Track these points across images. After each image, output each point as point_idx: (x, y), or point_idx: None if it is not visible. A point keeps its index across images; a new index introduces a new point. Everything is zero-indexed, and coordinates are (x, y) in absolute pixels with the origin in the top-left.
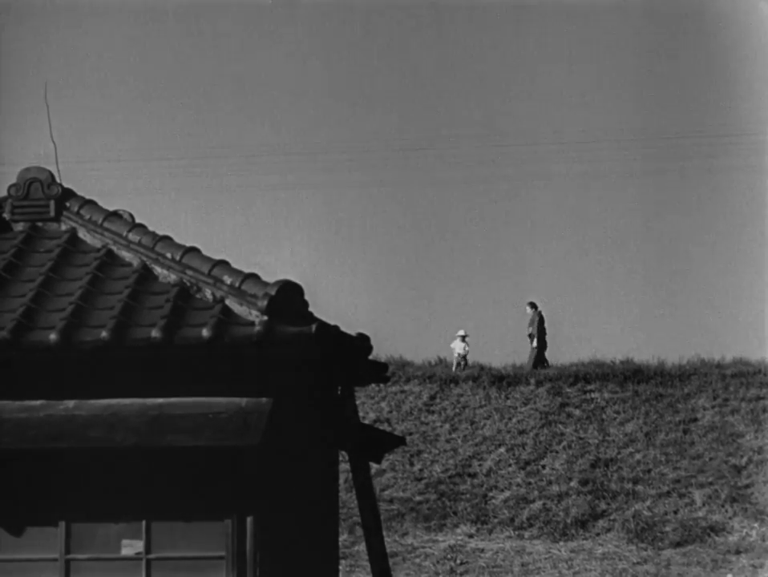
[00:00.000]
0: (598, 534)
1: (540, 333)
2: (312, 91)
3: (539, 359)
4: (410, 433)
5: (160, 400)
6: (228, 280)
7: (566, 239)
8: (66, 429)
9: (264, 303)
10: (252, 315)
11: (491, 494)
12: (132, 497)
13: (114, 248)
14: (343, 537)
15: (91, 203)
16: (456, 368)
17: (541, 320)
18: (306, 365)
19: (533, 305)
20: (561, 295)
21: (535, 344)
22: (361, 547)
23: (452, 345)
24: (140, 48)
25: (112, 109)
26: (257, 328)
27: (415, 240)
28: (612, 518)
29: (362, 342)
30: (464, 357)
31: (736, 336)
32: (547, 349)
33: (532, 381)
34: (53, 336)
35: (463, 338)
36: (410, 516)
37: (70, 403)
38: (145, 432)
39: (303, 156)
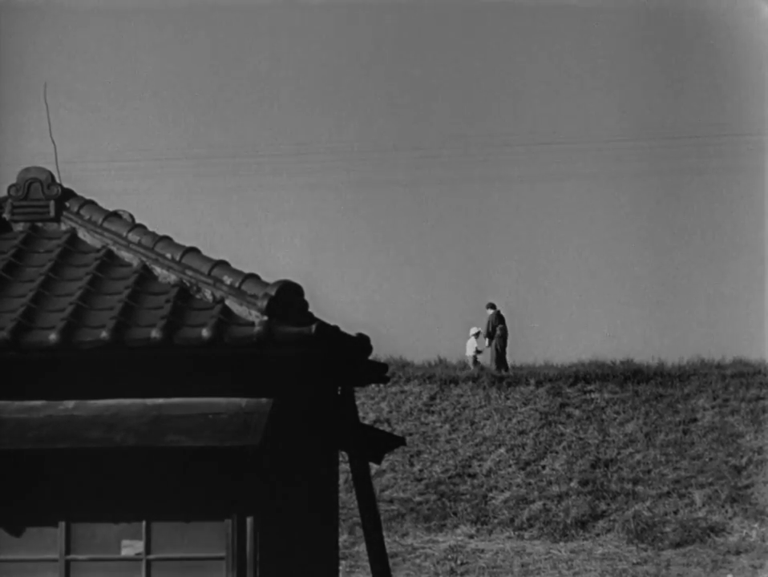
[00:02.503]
0: (598, 535)
1: (502, 333)
2: (311, 92)
3: (501, 359)
4: (410, 434)
5: (160, 400)
6: (227, 280)
7: (565, 239)
8: (66, 429)
9: (263, 303)
10: (252, 315)
11: (491, 494)
12: (132, 497)
13: (114, 248)
14: (343, 537)
15: (91, 204)
16: (474, 366)
17: (499, 320)
18: (306, 365)
19: (491, 306)
20: (561, 295)
21: (487, 343)
22: (361, 547)
23: (467, 344)
24: (139, 48)
25: (112, 109)
26: (257, 328)
27: (416, 239)
28: (612, 518)
29: (362, 342)
30: (475, 357)
31: (736, 336)
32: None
33: (532, 381)
34: (53, 337)
35: (477, 335)
36: (410, 516)
37: (70, 403)
38: (145, 432)
39: (303, 156)
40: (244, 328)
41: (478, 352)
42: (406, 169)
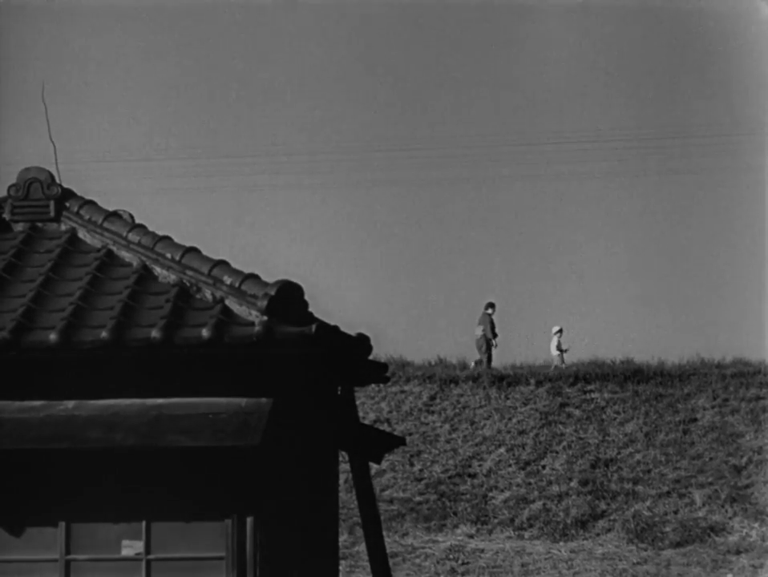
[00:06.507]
0: (598, 535)
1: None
2: (311, 91)
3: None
4: (410, 434)
5: (160, 400)
6: (227, 280)
7: (565, 238)
8: (66, 429)
9: (263, 303)
10: (252, 315)
11: (491, 494)
12: (132, 497)
13: (114, 248)
14: (343, 537)
15: (91, 204)
16: (559, 365)
17: (480, 322)
18: (306, 365)
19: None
20: (561, 295)
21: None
22: (361, 547)
23: (551, 343)
24: (139, 47)
25: (112, 108)
26: (257, 328)
27: (415, 239)
28: (612, 518)
29: (362, 342)
30: (561, 355)
31: (736, 336)
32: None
33: (532, 381)
34: (53, 337)
35: (560, 333)
36: (410, 516)
37: (70, 403)
38: (145, 432)
39: (303, 156)
40: (244, 328)
41: (562, 350)
42: (407, 169)
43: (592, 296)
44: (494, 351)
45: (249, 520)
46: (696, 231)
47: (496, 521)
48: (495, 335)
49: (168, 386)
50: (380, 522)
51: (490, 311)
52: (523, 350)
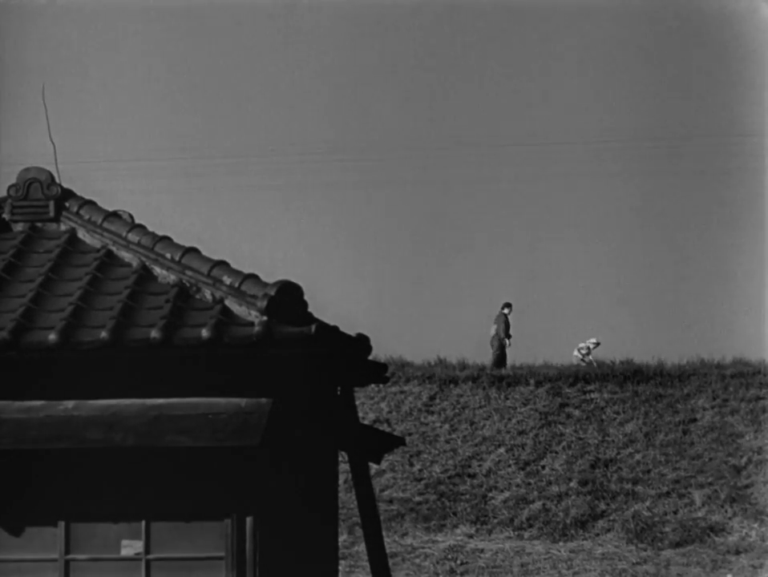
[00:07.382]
0: (598, 535)
1: (506, 333)
2: (311, 92)
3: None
4: (410, 434)
5: (160, 400)
6: (227, 280)
7: (565, 239)
8: (65, 429)
9: (263, 303)
10: (252, 315)
11: (490, 494)
12: (132, 497)
13: (113, 248)
14: (343, 537)
15: (91, 204)
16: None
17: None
18: (306, 365)
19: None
20: (561, 295)
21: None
22: (361, 547)
23: (578, 345)
24: (139, 48)
25: (112, 109)
26: (257, 328)
27: (416, 239)
28: (611, 518)
29: (362, 342)
30: (582, 360)
31: (736, 336)
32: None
33: (532, 381)
34: (52, 337)
35: (597, 344)
36: (410, 516)
37: (70, 404)
38: (145, 432)
39: (303, 157)
40: (244, 328)
41: (584, 356)
42: (407, 169)
43: (592, 295)
44: (507, 351)
45: (249, 520)
46: (696, 231)
47: (496, 521)
48: (508, 335)
49: (168, 386)
50: (380, 522)
51: (506, 311)
52: (523, 350)
